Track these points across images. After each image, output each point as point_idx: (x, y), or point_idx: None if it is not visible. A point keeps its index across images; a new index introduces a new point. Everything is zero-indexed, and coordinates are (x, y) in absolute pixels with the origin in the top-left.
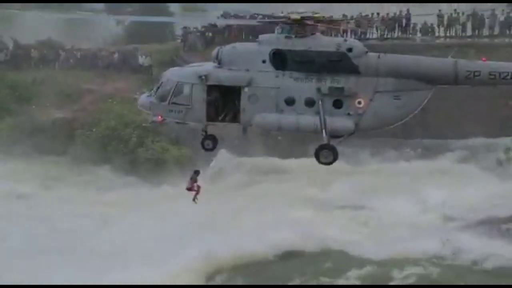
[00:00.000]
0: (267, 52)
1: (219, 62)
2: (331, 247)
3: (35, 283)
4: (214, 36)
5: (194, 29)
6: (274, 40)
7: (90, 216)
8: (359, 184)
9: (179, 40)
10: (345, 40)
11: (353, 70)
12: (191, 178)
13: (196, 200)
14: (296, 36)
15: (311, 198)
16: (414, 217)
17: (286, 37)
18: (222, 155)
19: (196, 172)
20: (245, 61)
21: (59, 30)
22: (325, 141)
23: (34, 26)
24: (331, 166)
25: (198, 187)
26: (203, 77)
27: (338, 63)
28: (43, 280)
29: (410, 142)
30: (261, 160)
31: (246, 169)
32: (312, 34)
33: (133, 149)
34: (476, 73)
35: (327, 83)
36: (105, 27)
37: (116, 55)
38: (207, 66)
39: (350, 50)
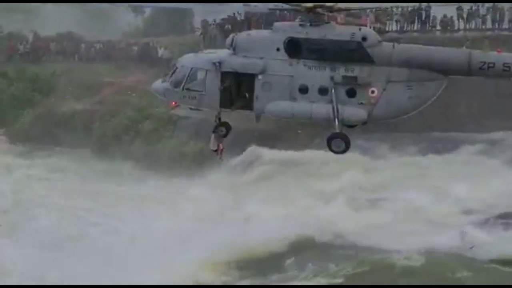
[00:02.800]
0: (282, 40)
1: (234, 49)
2: (348, 239)
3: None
4: (233, 29)
5: (214, 21)
6: (289, 28)
7: (107, 209)
8: (377, 177)
9: (198, 33)
10: (360, 29)
11: (367, 59)
12: (216, 138)
13: (221, 159)
14: (310, 25)
15: (328, 191)
16: (432, 210)
17: (300, 25)
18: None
19: (217, 131)
20: (259, 49)
21: (79, 23)
22: (337, 130)
23: (54, 18)
24: (349, 159)
25: (222, 145)
26: (217, 64)
27: (352, 52)
28: (62, 273)
29: (429, 135)
30: (280, 152)
31: (264, 161)
32: (327, 23)
33: (152, 142)
34: (490, 65)
35: (341, 71)
36: (124, 20)
37: (135, 48)
38: (222, 53)
39: (364, 39)
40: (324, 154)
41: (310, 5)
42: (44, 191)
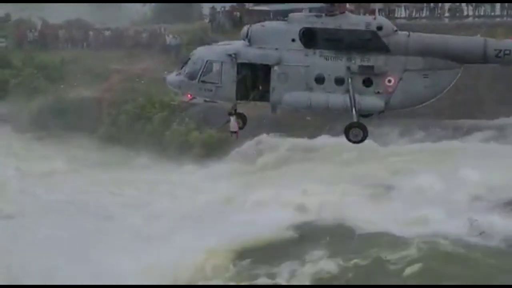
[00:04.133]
0: (297, 30)
1: (249, 40)
2: (358, 225)
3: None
4: (241, 16)
5: (222, 9)
6: (304, 18)
7: (117, 196)
8: (387, 164)
9: (206, 20)
10: (375, 19)
11: (383, 48)
12: (235, 120)
13: (237, 138)
14: (326, 15)
15: (339, 177)
16: (442, 196)
17: (316, 15)
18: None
19: (233, 113)
20: (275, 40)
21: (88, 10)
22: (354, 119)
23: (63, 6)
24: (360, 146)
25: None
26: (233, 55)
27: (368, 42)
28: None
29: (439, 122)
30: (289, 139)
31: (274, 148)
32: (342, 12)
33: (160, 129)
34: (506, 52)
35: (357, 61)
36: (133, 7)
37: (144, 35)
38: (237, 45)
39: (380, 28)
40: (334, 141)
41: None
42: (51, 179)
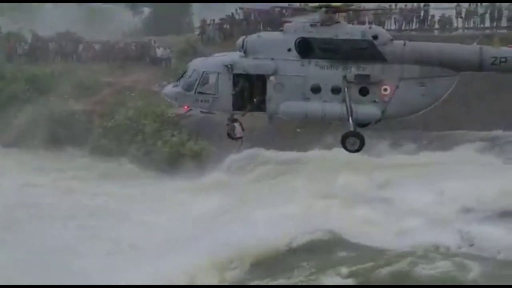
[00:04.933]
0: (292, 40)
1: (245, 51)
2: (347, 239)
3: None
4: (232, 28)
5: (212, 21)
6: (299, 28)
7: (107, 208)
8: (376, 176)
9: (196, 33)
10: (370, 28)
11: (379, 57)
12: (239, 126)
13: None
14: (321, 24)
15: (327, 190)
16: (432, 208)
17: (311, 25)
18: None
19: (236, 120)
20: (271, 50)
21: (78, 23)
22: (351, 129)
23: (53, 18)
24: (349, 158)
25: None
26: (229, 66)
27: (364, 51)
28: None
29: (429, 133)
30: (279, 152)
31: (264, 161)
32: (337, 22)
33: (152, 141)
34: (502, 59)
35: (353, 70)
36: (123, 19)
37: (134, 47)
38: (233, 56)
39: (375, 37)
40: (324, 153)
41: (316, 4)
42: (42, 192)
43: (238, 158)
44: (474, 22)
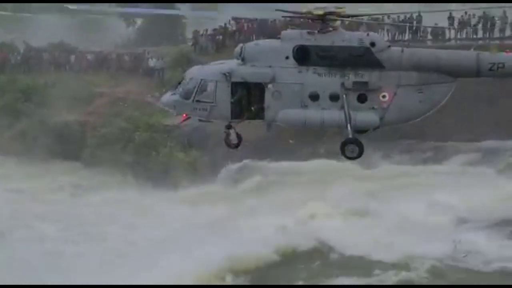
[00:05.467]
0: (290, 48)
1: (242, 59)
2: (340, 250)
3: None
4: (224, 39)
5: (205, 32)
6: (297, 36)
7: (95, 218)
8: (369, 186)
9: (190, 44)
10: (368, 35)
11: (377, 64)
12: (234, 132)
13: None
14: (318, 32)
15: (320, 201)
16: (425, 219)
17: (308, 32)
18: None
19: (231, 126)
20: (268, 58)
21: (71, 33)
22: (350, 136)
23: (46, 29)
24: (342, 168)
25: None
26: (227, 74)
27: (362, 58)
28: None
29: (422, 144)
30: (272, 163)
31: (256, 172)
32: (334, 29)
33: (144, 152)
34: (500, 65)
35: (351, 77)
36: (116, 30)
37: (127, 58)
38: (231, 63)
39: (373, 44)
40: (317, 164)
41: (321, 12)
42: (36, 202)
43: (230, 169)
44: (467, 33)
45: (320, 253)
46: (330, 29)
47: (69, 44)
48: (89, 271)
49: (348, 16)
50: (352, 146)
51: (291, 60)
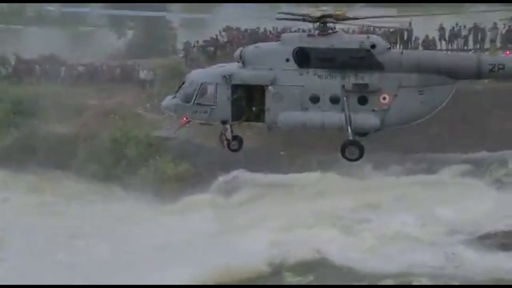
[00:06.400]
0: (290, 50)
1: (243, 62)
2: (333, 262)
3: None
4: (216, 50)
5: (196, 43)
6: (297, 38)
7: (90, 230)
8: (361, 198)
9: (180, 55)
10: (368, 37)
11: (377, 66)
12: (229, 129)
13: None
14: (319, 34)
15: (312, 212)
16: (416, 231)
17: (308, 35)
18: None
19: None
20: (269, 60)
21: (62, 45)
22: (350, 138)
23: (37, 41)
24: (334, 180)
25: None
26: (227, 77)
27: (362, 60)
28: None
29: (413, 156)
30: (264, 175)
31: (248, 184)
32: (334, 32)
33: (136, 164)
34: (500, 66)
35: (351, 79)
36: (107, 42)
37: (117, 70)
38: (231, 66)
39: (373, 46)
40: (308, 176)
41: (318, 14)
42: (27, 214)
43: (221, 181)
44: (458, 45)
45: (313, 265)
46: (330, 31)
47: (60, 56)
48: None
49: (348, 19)
50: (352, 148)
51: (292, 63)
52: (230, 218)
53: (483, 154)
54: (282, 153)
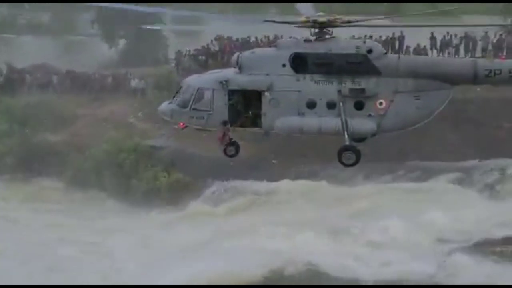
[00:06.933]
0: (287, 56)
1: (239, 67)
2: (324, 270)
3: None
4: (207, 59)
5: (187, 52)
6: (294, 43)
7: (78, 242)
8: (353, 206)
9: (172, 64)
10: (364, 42)
11: (373, 71)
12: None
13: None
14: (315, 39)
15: (303, 221)
16: (408, 239)
17: (305, 40)
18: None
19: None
20: (265, 66)
21: (54, 55)
22: (346, 143)
23: (29, 50)
24: (325, 188)
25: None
26: (224, 83)
27: (358, 65)
28: None
29: (405, 164)
30: (254, 183)
31: (240, 192)
32: (331, 37)
33: (127, 173)
34: (497, 72)
35: (348, 84)
36: (99, 51)
37: (109, 79)
38: (228, 72)
39: (370, 51)
40: (300, 184)
41: (319, 19)
42: (14, 224)
43: (213, 190)
44: (449, 53)
45: (305, 273)
46: (327, 36)
47: (52, 65)
48: None
49: (343, 26)
50: (349, 153)
51: (288, 68)
52: (222, 226)
53: (475, 162)
54: (274, 161)
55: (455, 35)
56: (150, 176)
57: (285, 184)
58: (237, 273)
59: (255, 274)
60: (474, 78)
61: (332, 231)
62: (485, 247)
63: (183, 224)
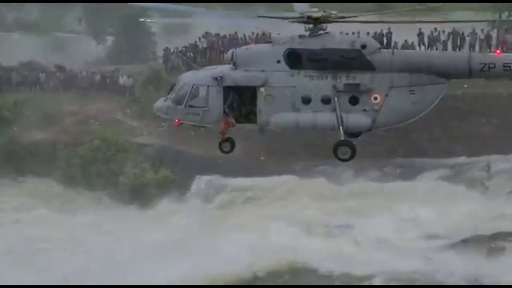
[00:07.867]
0: (282, 52)
1: (234, 63)
2: (310, 267)
3: None
4: (195, 56)
5: (175, 49)
6: (288, 39)
7: (65, 237)
8: (341, 203)
9: (160, 61)
10: (359, 37)
11: (368, 66)
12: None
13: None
14: (309, 35)
15: (292, 218)
16: (397, 235)
17: (300, 36)
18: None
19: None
20: (260, 62)
21: (41, 52)
22: (342, 138)
23: (16, 48)
24: (314, 185)
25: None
26: (219, 79)
27: (353, 60)
28: None
29: (393, 161)
30: (243, 180)
31: (228, 189)
32: (326, 32)
33: (115, 171)
34: (491, 65)
35: (343, 80)
36: (86, 48)
37: (97, 76)
38: (223, 68)
39: (364, 46)
40: (288, 180)
41: (313, 15)
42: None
43: (201, 186)
44: (436, 49)
45: (292, 271)
46: (321, 32)
47: (39, 63)
48: None
49: (340, 18)
50: (344, 148)
51: (283, 64)
52: (209, 223)
53: (463, 158)
54: (262, 158)
55: (443, 31)
56: (138, 173)
57: (274, 180)
58: (223, 270)
59: (240, 271)
60: (469, 72)
61: (321, 228)
62: (473, 244)
63: (170, 220)
